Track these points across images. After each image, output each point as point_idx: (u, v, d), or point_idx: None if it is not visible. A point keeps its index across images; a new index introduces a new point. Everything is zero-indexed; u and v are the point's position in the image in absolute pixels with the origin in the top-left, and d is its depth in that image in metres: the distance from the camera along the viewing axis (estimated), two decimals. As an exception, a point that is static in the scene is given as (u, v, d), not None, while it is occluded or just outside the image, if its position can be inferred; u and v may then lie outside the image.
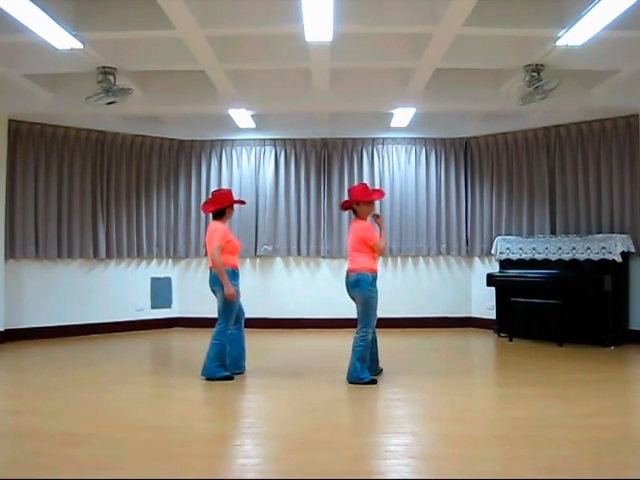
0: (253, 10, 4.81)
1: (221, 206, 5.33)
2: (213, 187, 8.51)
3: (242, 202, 5.96)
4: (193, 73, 6.24)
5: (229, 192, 5.58)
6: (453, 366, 6.02)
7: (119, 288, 8.08)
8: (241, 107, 6.96)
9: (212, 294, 5.36)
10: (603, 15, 4.37)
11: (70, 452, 3.36)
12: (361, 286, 4.96)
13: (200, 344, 7.26)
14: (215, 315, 5.32)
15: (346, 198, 8.39)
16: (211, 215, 5.46)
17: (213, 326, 5.25)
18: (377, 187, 8.02)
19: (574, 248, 6.95)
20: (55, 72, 6.16)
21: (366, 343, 4.99)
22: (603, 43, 5.17)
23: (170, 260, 8.60)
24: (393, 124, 7.87)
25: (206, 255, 8.36)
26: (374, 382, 5.00)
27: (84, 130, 7.74)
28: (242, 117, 7.42)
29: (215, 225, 5.35)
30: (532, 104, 6.05)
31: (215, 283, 5.27)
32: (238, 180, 8.49)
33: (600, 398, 4.52)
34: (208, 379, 5.10)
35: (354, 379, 4.97)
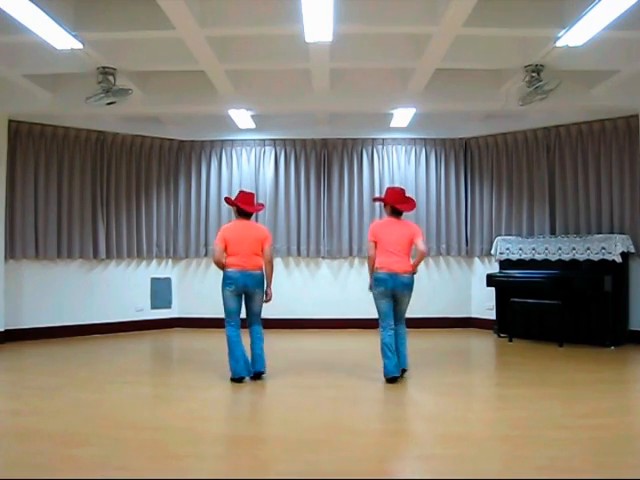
0: (253, 10, 4.81)
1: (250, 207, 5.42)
2: (213, 187, 8.54)
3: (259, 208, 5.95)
4: (193, 73, 6.24)
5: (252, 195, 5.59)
6: (453, 366, 6.01)
7: (119, 288, 8.07)
8: (241, 107, 6.96)
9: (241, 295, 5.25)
10: (603, 15, 4.37)
11: (70, 452, 3.35)
12: None
13: (200, 344, 7.29)
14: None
15: (346, 199, 8.51)
16: (235, 213, 5.38)
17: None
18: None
19: (574, 248, 6.94)
20: (55, 72, 6.16)
21: (381, 339, 5.08)
22: (603, 43, 5.18)
23: (170, 260, 8.59)
24: (393, 124, 7.87)
25: (207, 255, 8.46)
26: (390, 380, 5.03)
27: (84, 130, 7.74)
28: (242, 117, 7.42)
29: (260, 225, 5.57)
30: (532, 104, 6.06)
31: (259, 284, 5.22)
32: (238, 180, 8.48)
33: (600, 398, 4.52)
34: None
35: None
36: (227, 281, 5.13)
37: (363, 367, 5.66)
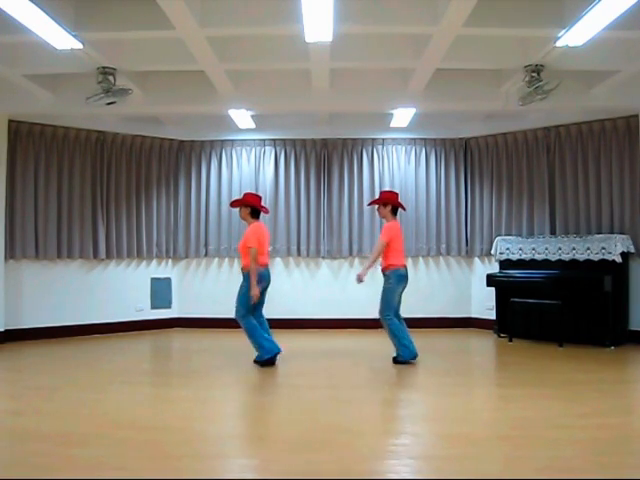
0: (253, 10, 4.82)
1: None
2: (213, 187, 8.55)
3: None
4: (193, 73, 6.24)
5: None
6: (453, 366, 6.02)
7: (119, 288, 8.08)
8: (241, 107, 6.96)
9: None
10: (603, 15, 4.37)
11: (70, 452, 3.35)
12: None
13: (200, 344, 7.29)
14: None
15: (346, 199, 8.50)
16: (249, 216, 5.86)
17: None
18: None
19: (574, 248, 6.95)
20: (55, 72, 6.16)
21: (396, 325, 5.71)
22: (603, 43, 5.18)
23: (170, 260, 8.59)
24: (393, 124, 7.87)
25: (206, 255, 8.46)
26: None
27: (84, 130, 7.74)
28: (242, 117, 7.42)
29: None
30: (532, 104, 6.05)
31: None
32: (238, 180, 8.48)
33: (600, 398, 4.52)
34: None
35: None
36: (260, 278, 5.59)
37: (363, 367, 5.67)
